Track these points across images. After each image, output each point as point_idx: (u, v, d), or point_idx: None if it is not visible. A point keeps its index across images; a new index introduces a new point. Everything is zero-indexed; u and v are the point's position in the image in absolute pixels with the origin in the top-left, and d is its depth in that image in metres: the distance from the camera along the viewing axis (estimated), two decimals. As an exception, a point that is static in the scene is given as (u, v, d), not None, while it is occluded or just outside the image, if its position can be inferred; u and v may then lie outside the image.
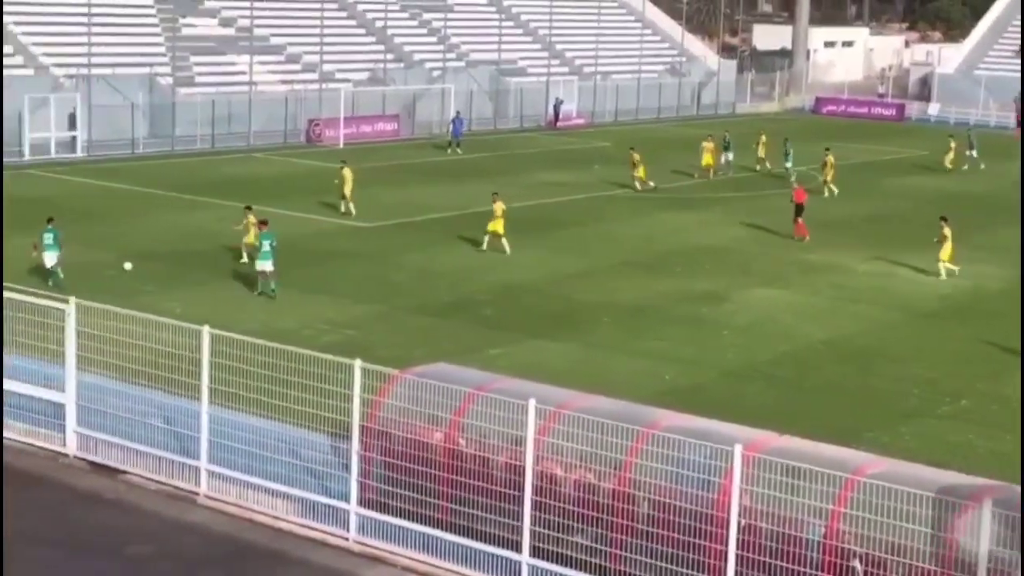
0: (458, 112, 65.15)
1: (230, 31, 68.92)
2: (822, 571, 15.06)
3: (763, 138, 58.82)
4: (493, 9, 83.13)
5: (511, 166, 57.55)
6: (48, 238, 31.86)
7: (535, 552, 16.53)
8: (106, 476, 19.81)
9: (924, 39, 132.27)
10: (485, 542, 16.82)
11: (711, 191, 52.13)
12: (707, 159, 55.45)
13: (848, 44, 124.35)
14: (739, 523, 15.32)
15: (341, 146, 61.28)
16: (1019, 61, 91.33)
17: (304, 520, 18.21)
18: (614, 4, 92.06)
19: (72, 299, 20.27)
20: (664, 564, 15.77)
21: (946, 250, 36.87)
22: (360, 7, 76.17)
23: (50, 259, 31.73)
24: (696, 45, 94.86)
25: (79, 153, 55.18)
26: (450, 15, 78.55)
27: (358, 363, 17.49)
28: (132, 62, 61.30)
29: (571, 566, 16.33)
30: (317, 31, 67.96)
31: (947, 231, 36.97)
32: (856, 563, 14.92)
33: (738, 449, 15.33)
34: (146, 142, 58.52)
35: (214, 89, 62.23)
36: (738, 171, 56.77)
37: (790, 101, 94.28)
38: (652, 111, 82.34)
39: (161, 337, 19.66)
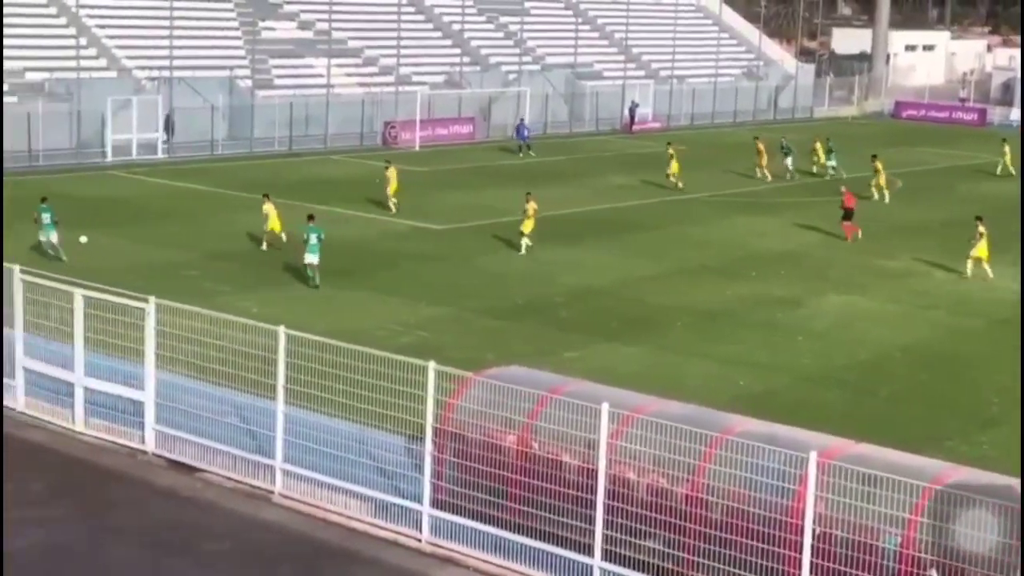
0: (522, 119, 65.42)
1: (308, 34, 69.50)
2: (898, 580, 14.91)
3: (818, 144, 58.86)
4: (569, 12, 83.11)
5: (586, 169, 57.49)
6: (45, 217, 34.39)
7: (607, 556, 16.49)
8: (183, 473, 20.06)
9: (1007, 43, 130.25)
10: (557, 545, 16.82)
11: (787, 196, 51.72)
12: (762, 159, 56.01)
13: (929, 48, 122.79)
14: (814, 531, 15.19)
15: (417, 149, 61.58)
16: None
17: (377, 520, 18.31)
18: (691, 7, 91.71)
19: (152, 298, 20.54)
20: (736, 571, 15.67)
21: (980, 249, 36.98)
22: (437, 10, 76.48)
23: (48, 236, 34.53)
24: (773, 48, 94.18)
25: (160, 155, 55.91)
26: (526, 18, 78.62)
27: (432, 365, 17.56)
28: (212, 64, 62.06)
29: (643, 571, 16.28)
30: (394, 34, 68.32)
31: (982, 229, 37.15)
32: (933, 572, 14.73)
33: (813, 455, 15.20)
34: (225, 144, 59.19)
35: (292, 91, 62.82)
36: (804, 176, 56.36)
37: (869, 105, 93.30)
38: (728, 115, 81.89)
39: (237, 337, 19.85)
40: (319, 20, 68.74)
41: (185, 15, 62.43)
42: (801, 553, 15.23)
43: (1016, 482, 15.83)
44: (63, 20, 60.52)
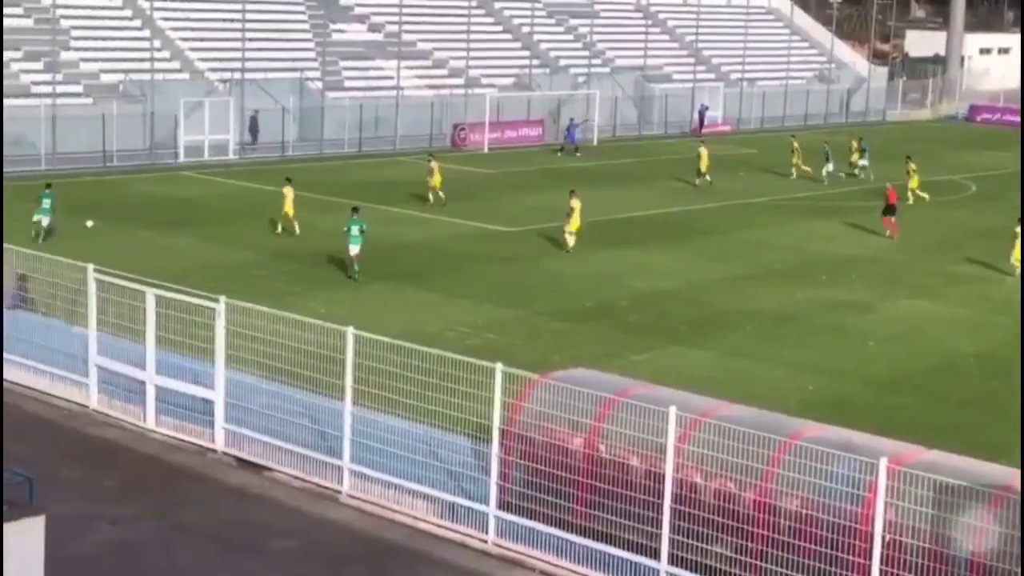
0: (572, 119, 65.39)
1: (378, 36, 69.87)
2: (969, 589, 14.72)
3: (855, 143, 58.72)
4: (639, 15, 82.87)
5: (654, 172, 57.30)
6: (45, 202, 36.08)
7: (673, 560, 16.43)
8: (252, 472, 20.23)
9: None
10: (623, 549, 16.78)
11: (851, 200, 51.20)
12: (797, 159, 56.23)
13: (1004, 51, 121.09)
14: (883, 538, 15.03)
15: (486, 151, 61.68)
16: None
17: (443, 521, 18.37)
18: (761, 10, 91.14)
19: (222, 299, 20.73)
20: (804, 577, 15.56)
21: (1017, 249, 37.34)
22: (506, 12, 76.61)
23: (41, 218, 36.13)
24: (845, 51, 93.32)
25: (231, 156, 56.46)
26: (596, 21, 78.54)
27: (499, 367, 17.58)
28: (283, 67, 62.57)
29: (709, 575, 16.20)
30: (463, 36, 68.53)
31: (1018, 229, 37.35)
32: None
33: (883, 462, 15.04)
34: (295, 145, 59.63)
35: (362, 93, 63.20)
36: (849, 178, 56.03)
37: (943, 109, 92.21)
38: (799, 118, 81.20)
39: (306, 337, 20.00)
40: (389, 22, 69.09)
41: (257, 18, 63.09)
42: (870, 560, 15.09)
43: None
44: (138, 23, 61.32)
